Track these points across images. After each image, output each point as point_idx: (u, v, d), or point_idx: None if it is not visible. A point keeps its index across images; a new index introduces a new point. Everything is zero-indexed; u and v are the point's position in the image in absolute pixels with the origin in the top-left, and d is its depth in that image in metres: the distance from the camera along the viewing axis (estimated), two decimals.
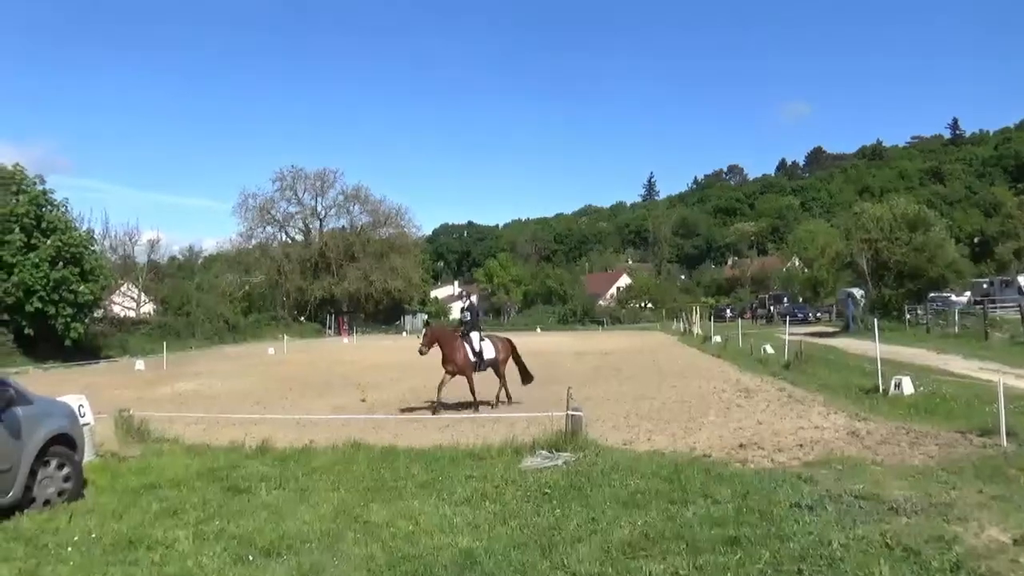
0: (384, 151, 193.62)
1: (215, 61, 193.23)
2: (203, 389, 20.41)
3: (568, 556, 5.04)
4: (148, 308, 51.50)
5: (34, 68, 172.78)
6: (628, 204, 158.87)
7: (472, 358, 15.40)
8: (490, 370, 15.87)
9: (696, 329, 42.84)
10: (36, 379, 24.77)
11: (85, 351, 32.65)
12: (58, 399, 7.63)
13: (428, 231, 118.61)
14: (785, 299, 63.81)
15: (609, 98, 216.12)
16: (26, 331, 29.96)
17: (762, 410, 12.66)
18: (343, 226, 73.68)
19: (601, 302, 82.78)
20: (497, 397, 15.80)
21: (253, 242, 70.07)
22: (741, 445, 9.41)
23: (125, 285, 50.89)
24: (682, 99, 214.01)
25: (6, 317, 29.77)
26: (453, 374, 15.29)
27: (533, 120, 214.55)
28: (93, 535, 5.72)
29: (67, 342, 30.81)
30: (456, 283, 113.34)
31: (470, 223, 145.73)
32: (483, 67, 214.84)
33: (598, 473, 7.43)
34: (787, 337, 22.56)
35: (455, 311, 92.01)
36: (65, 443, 6.91)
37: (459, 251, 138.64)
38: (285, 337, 48.52)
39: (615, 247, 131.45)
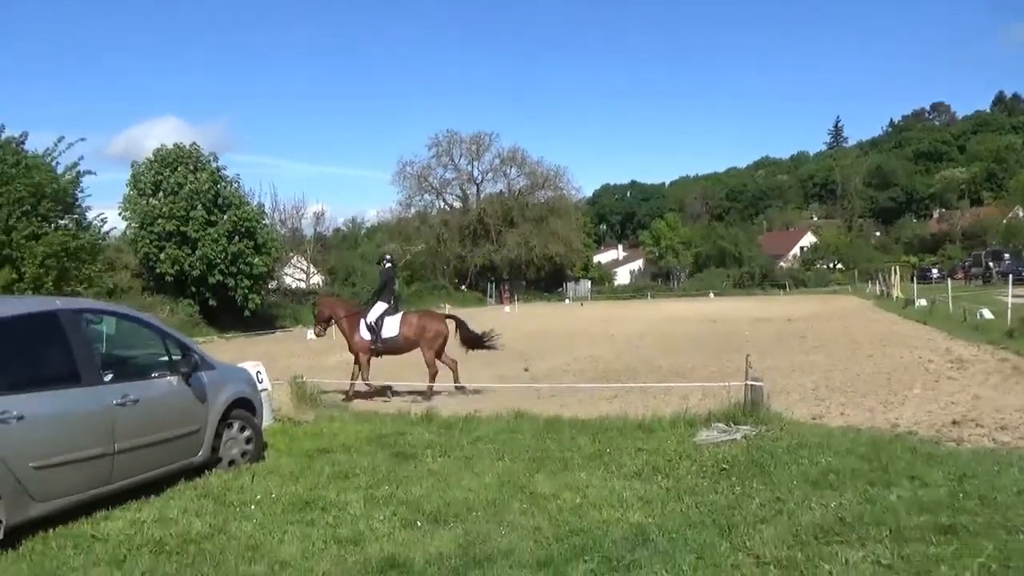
0: (540, 111, 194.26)
1: (370, 32, 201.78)
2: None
3: (751, 538, 4.86)
4: (317, 279, 55.36)
5: (209, 51, 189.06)
6: (811, 154, 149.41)
7: (366, 336, 13.40)
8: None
9: (896, 292, 39.85)
10: (219, 347, 27.45)
11: (262, 321, 35.74)
12: (237, 365, 8.35)
13: (589, 193, 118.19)
14: (1006, 256, 57.61)
15: (786, 36, 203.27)
16: (210, 302, 33.19)
17: (980, 383, 11.57)
18: (500, 190, 75.08)
19: (782, 263, 79.05)
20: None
21: (412, 211, 73.20)
22: (954, 422, 8.66)
23: (295, 257, 54.96)
24: (870, 31, 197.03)
25: (192, 289, 33.11)
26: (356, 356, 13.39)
27: (699, 68, 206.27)
28: (273, 495, 6.24)
29: (246, 312, 33.88)
30: (620, 247, 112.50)
31: (633, 182, 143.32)
32: (641, 17, 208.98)
33: (782, 449, 7.11)
34: (1010, 300, 20.35)
35: (620, 276, 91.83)
36: (245, 407, 7.58)
37: (622, 212, 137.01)
38: (447, 306, 50.46)
39: (797, 202, 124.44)
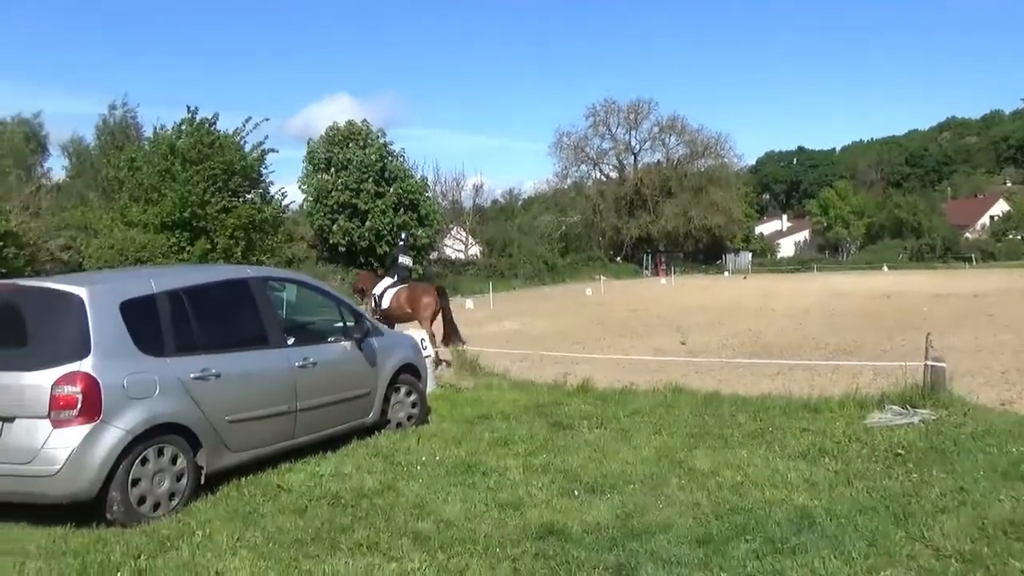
0: (701, 76, 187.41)
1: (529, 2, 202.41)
2: (526, 328, 22.08)
3: (930, 528, 4.56)
4: (475, 250, 56.81)
5: (374, 30, 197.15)
6: (1007, 113, 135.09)
7: (374, 306, 13.85)
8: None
9: None
10: None
11: None
12: (403, 332, 8.77)
13: (752, 161, 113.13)
14: None
15: None
16: (377, 272, 34.92)
17: None
18: (658, 160, 73.45)
19: (968, 234, 72.45)
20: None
21: (568, 182, 73.08)
22: None
23: (454, 228, 56.64)
24: None
25: (361, 259, 34.97)
26: None
27: (873, 21, 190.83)
28: (437, 457, 6.54)
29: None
30: (784, 217, 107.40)
31: (800, 149, 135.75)
32: None
33: (966, 436, 6.58)
34: None
35: (783, 248, 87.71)
36: (411, 372, 7.98)
37: (787, 181, 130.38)
38: (602, 278, 50.35)
39: (988, 167, 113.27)
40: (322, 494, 5.65)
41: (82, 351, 5.14)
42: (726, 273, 63.90)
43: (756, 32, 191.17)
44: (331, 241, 33.89)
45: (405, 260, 15.74)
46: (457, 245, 55.50)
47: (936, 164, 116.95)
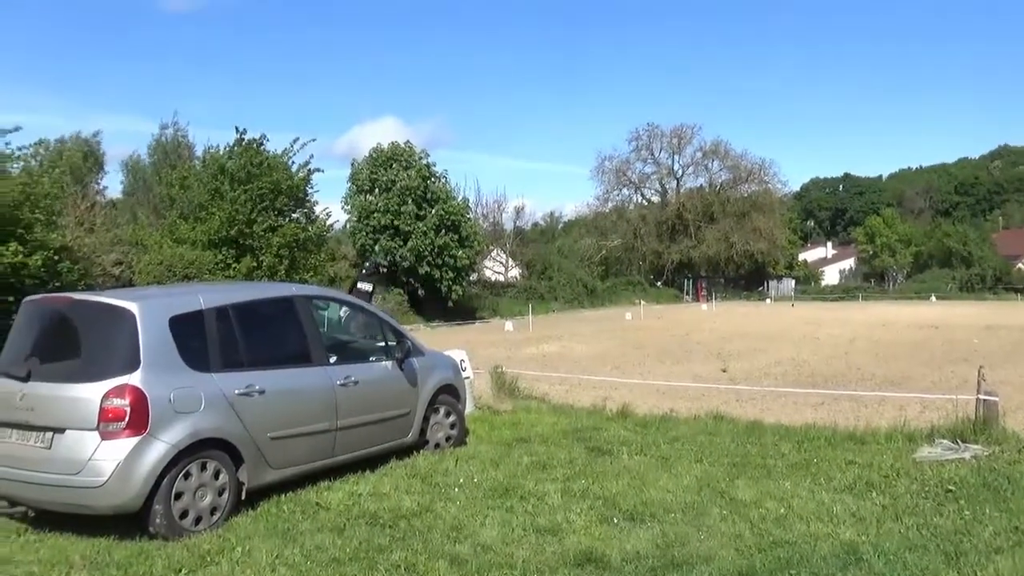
0: (746, 101, 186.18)
1: (575, 28, 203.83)
2: (565, 351, 21.99)
3: (983, 568, 4.38)
4: (515, 272, 56.88)
5: (424, 50, 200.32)
6: None
7: None
8: None
9: None
10: (425, 335, 29.03)
11: (463, 311, 37.39)
12: (444, 353, 8.77)
13: (796, 187, 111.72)
14: None
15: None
16: (418, 292, 35.22)
17: None
18: (701, 185, 73.04)
19: (1020, 265, 70.45)
20: None
21: (609, 205, 73.00)
22: None
23: (495, 250, 56.83)
24: None
25: (403, 279, 35.29)
26: None
27: (925, 47, 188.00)
28: (475, 479, 6.51)
29: (448, 303, 35.61)
30: (829, 244, 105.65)
31: (846, 175, 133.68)
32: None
33: (1021, 474, 6.34)
34: None
35: (828, 276, 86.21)
36: (451, 393, 7.97)
37: (832, 208, 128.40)
38: (642, 302, 50.02)
39: None
40: (360, 513, 5.65)
41: (132, 365, 5.24)
42: (768, 300, 63.03)
43: (803, 57, 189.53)
44: (373, 260, 34.23)
45: (364, 286, 17.89)
46: (497, 267, 55.64)
47: (987, 193, 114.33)
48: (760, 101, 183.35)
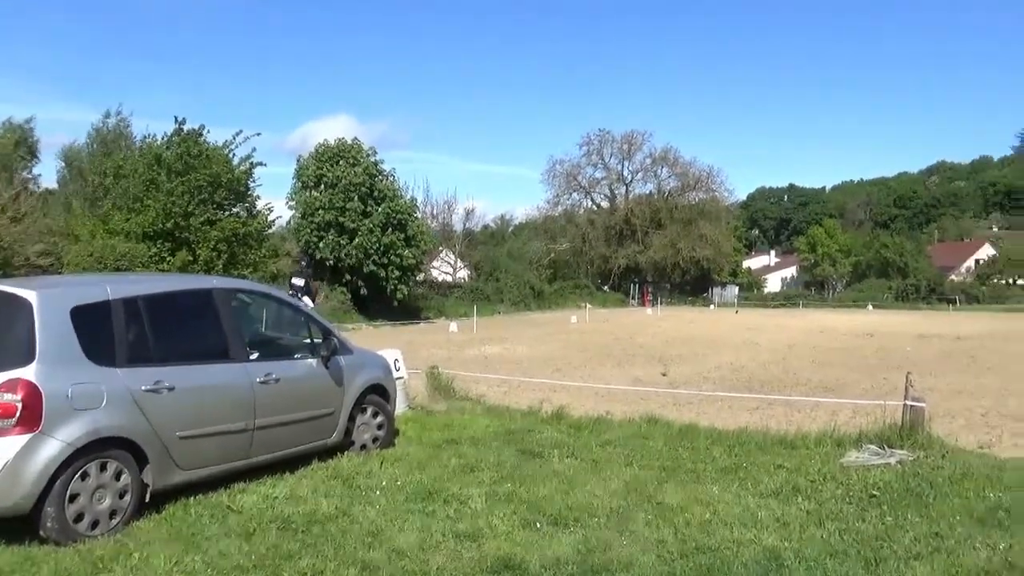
0: (696, 109, 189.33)
1: (528, 29, 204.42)
2: (507, 353, 21.85)
3: (901, 575, 4.36)
4: (463, 274, 56.64)
5: (380, 53, 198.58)
6: (995, 159, 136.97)
7: None
8: None
9: None
10: (367, 334, 28.62)
11: (408, 311, 36.99)
12: (374, 352, 8.53)
13: (743, 196, 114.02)
14: None
15: (965, 29, 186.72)
16: (362, 291, 34.71)
17: None
18: (650, 191, 73.92)
19: (953, 277, 72.94)
20: None
21: (559, 209, 73.38)
22: None
23: (444, 251, 56.50)
24: None
25: (347, 277, 34.74)
26: None
27: (868, 63, 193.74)
28: (398, 482, 6.29)
29: (394, 302, 35.20)
30: (773, 253, 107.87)
31: (791, 186, 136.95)
32: (804, 10, 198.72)
33: (943, 479, 6.40)
34: None
35: (771, 283, 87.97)
36: (379, 393, 7.72)
37: (777, 217, 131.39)
38: (588, 306, 50.27)
39: (975, 212, 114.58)
40: (273, 517, 5.39)
41: (27, 357, 4.90)
42: (712, 306, 63.98)
43: (752, 69, 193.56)
44: (317, 257, 33.62)
45: (297, 281, 20.05)
46: (446, 268, 55.33)
47: (924, 207, 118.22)
48: (711, 111, 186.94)
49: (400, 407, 9.89)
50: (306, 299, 19.74)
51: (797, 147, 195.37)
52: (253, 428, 6.11)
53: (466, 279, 54.24)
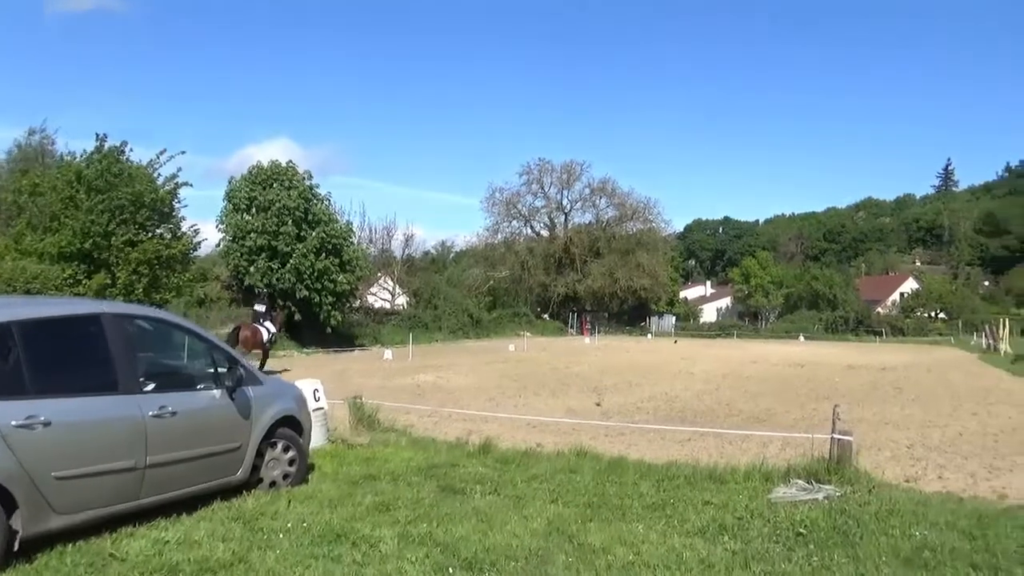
0: (634, 143, 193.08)
1: (470, 58, 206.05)
2: (442, 382, 21.41)
3: None
4: (401, 300, 55.88)
5: (322, 78, 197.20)
6: (918, 197, 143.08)
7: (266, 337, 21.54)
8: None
9: (1004, 346, 37.14)
10: (298, 362, 27.80)
11: (342, 338, 36.10)
12: (288, 382, 8.07)
13: (680, 227, 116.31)
14: None
15: (892, 72, 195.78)
16: (295, 317, 33.71)
17: None
18: (589, 221, 74.51)
19: (879, 309, 75.33)
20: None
21: (499, 237, 73.32)
22: None
23: (383, 277, 55.67)
24: (988, 69, 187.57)
25: (279, 303, 33.74)
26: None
27: (799, 105, 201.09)
28: (305, 523, 5.85)
29: (327, 329, 34.28)
30: (708, 283, 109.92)
31: (726, 219, 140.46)
32: (738, 51, 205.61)
33: (870, 516, 6.28)
34: None
35: (706, 313, 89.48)
36: (292, 426, 7.25)
37: (713, 249, 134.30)
38: (526, 334, 50.14)
39: (899, 246, 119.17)
40: (160, 566, 4.90)
41: None
42: (649, 335, 64.59)
43: (688, 105, 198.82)
44: (247, 283, 32.57)
45: (259, 307, 22.55)
46: (384, 294, 54.53)
47: (852, 241, 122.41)
48: (649, 145, 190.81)
49: (319, 440, 9.44)
50: (268, 324, 22.07)
51: (732, 181, 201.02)
52: (144, 466, 5.60)
53: (405, 306, 53.50)
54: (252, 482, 6.83)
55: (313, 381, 9.68)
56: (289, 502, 6.46)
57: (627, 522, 6.23)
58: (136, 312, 6.43)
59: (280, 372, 20.60)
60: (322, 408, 9.61)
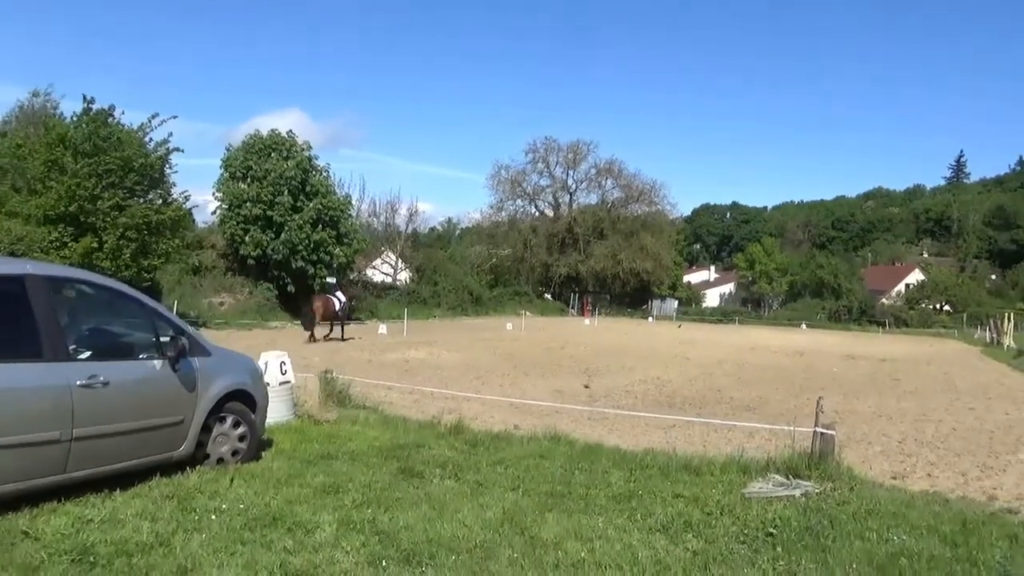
0: (643, 125, 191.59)
1: (481, 36, 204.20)
2: (431, 359, 21.08)
3: None
4: (404, 275, 55.47)
5: (337, 51, 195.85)
6: (928, 188, 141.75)
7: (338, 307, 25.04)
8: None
9: (1008, 340, 36.63)
10: (288, 334, 27.50)
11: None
12: (242, 354, 7.67)
13: (687, 211, 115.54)
14: None
15: (908, 62, 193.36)
16: (288, 288, 33.42)
17: None
18: (594, 201, 73.86)
19: (884, 300, 74.65)
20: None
21: (503, 215, 72.74)
22: None
23: (385, 251, 55.24)
24: (1003, 59, 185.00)
25: (274, 273, 33.40)
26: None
27: (813, 92, 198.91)
28: (242, 504, 5.50)
29: None
30: (713, 268, 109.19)
31: (734, 204, 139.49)
32: (752, 38, 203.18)
33: (847, 517, 5.90)
34: None
35: (709, 298, 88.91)
36: (244, 400, 6.88)
37: (720, 234, 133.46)
38: (526, 313, 49.76)
39: (907, 237, 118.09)
40: (74, 546, 4.54)
41: None
42: (650, 318, 64.15)
43: (701, 90, 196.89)
44: (241, 252, 32.22)
45: (330, 280, 27.89)
46: (387, 268, 54.13)
47: (860, 230, 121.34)
48: (658, 127, 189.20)
49: (285, 415, 9.11)
50: (339, 294, 25.61)
51: (741, 166, 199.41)
52: (71, 439, 5.24)
53: (407, 281, 53.13)
54: (199, 458, 6.48)
55: (280, 353, 9.32)
56: (232, 480, 6.11)
57: (588, 514, 5.87)
58: (71, 275, 6.04)
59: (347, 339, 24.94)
60: (289, 382, 9.26)
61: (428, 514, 5.62)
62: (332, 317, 24.60)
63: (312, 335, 23.42)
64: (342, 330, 25.08)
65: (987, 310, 60.38)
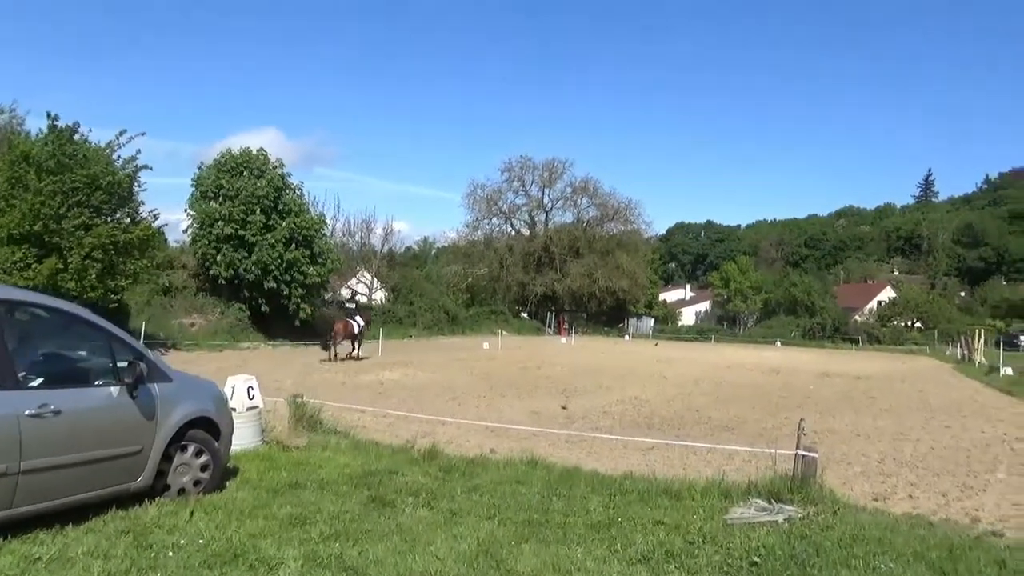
0: (618, 143, 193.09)
1: (455, 52, 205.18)
2: (406, 379, 20.77)
3: None
4: (379, 295, 55.02)
5: (312, 70, 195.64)
6: (898, 206, 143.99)
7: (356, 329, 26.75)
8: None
9: (979, 357, 36.99)
10: (263, 355, 27.06)
11: (312, 331, 35.24)
12: (205, 379, 7.38)
13: (662, 230, 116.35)
14: None
15: (877, 82, 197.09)
16: (262, 308, 32.92)
17: None
18: (569, 220, 73.95)
19: (856, 317, 75.36)
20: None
21: (479, 234, 72.56)
22: None
23: (360, 271, 54.78)
24: (971, 82, 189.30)
25: (246, 294, 32.89)
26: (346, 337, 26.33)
27: (785, 112, 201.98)
28: (201, 540, 5.21)
29: (296, 322, 33.49)
30: (688, 287, 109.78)
31: (709, 222, 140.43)
32: (725, 58, 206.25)
33: (832, 543, 5.73)
34: None
35: (685, 317, 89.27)
36: (207, 427, 6.60)
37: (695, 252, 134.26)
38: (502, 332, 49.44)
39: (878, 255, 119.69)
40: None
41: None
42: (627, 337, 64.15)
43: (673, 109, 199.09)
44: (212, 272, 31.70)
45: (349, 304, 29.35)
46: (361, 288, 53.65)
47: (832, 248, 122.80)
48: (633, 146, 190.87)
49: (252, 441, 8.81)
50: (358, 318, 27.36)
51: (715, 185, 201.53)
52: (18, 472, 4.94)
53: (383, 301, 52.68)
54: (158, 489, 6.18)
55: (248, 377, 9.03)
56: (191, 513, 5.81)
57: (566, 544, 5.65)
58: (20, 298, 5.73)
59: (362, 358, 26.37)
60: (257, 407, 8.96)
61: (399, 547, 5.37)
62: (351, 338, 26.69)
63: (333, 355, 25.47)
64: (358, 350, 27.20)
65: (957, 327, 61.14)
